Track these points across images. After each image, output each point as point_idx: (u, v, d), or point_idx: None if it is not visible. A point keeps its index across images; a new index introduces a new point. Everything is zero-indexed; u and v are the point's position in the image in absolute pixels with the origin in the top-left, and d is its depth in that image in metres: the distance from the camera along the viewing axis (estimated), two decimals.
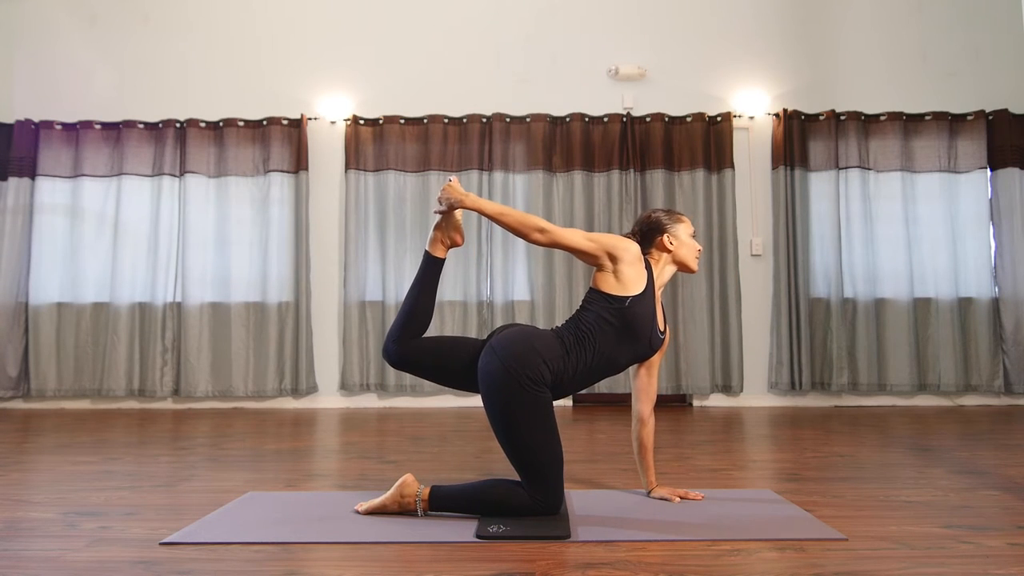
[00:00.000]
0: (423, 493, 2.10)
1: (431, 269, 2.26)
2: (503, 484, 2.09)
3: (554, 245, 2.14)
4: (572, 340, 2.14)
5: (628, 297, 2.14)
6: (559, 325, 2.26)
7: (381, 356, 2.28)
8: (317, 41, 5.42)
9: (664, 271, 2.29)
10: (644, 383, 2.35)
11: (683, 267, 2.31)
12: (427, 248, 2.27)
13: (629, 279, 2.15)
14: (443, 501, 2.09)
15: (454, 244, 2.29)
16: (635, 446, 2.37)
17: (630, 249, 2.16)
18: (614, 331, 2.15)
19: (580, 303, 2.26)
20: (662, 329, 2.26)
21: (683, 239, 2.29)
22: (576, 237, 2.15)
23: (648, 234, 2.31)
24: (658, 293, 2.25)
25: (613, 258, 2.15)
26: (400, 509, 2.11)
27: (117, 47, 5.42)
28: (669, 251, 2.28)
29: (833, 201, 5.20)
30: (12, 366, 5.10)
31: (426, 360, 2.23)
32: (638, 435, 2.35)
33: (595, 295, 2.18)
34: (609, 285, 2.16)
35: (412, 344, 2.23)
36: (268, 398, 5.18)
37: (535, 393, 2.04)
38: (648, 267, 2.22)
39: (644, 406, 2.34)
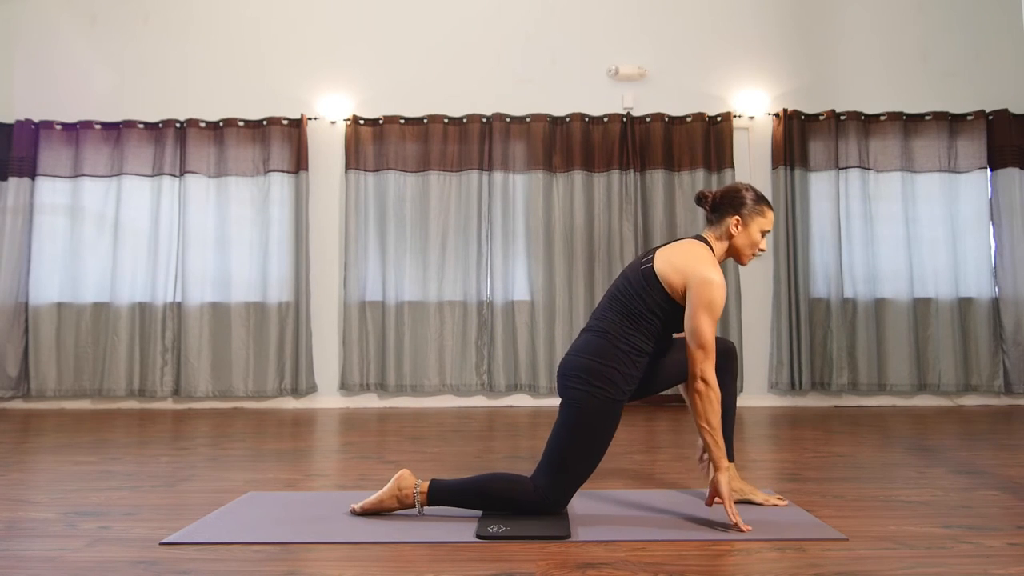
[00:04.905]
0: (421, 486, 2.07)
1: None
2: (504, 478, 2.08)
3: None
4: (626, 323, 2.08)
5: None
6: (596, 322, 2.13)
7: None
8: (317, 41, 5.42)
9: (718, 256, 2.16)
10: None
11: (736, 256, 2.18)
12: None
13: None
14: (443, 495, 2.06)
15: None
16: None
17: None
18: (661, 324, 2.10)
19: (616, 290, 2.14)
20: None
21: (751, 230, 2.13)
22: (712, 332, 2.02)
23: (723, 206, 2.15)
24: None
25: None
26: (398, 504, 2.08)
27: (117, 47, 5.42)
28: (732, 236, 2.14)
29: (833, 201, 5.20)
30: (12, 366, 5.10)
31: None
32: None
33: (659, 292, 2.07)
34: (676, 294, 2.07)
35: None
36: (268, 398, 5.18)
37: (615, 408, 2.05)
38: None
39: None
